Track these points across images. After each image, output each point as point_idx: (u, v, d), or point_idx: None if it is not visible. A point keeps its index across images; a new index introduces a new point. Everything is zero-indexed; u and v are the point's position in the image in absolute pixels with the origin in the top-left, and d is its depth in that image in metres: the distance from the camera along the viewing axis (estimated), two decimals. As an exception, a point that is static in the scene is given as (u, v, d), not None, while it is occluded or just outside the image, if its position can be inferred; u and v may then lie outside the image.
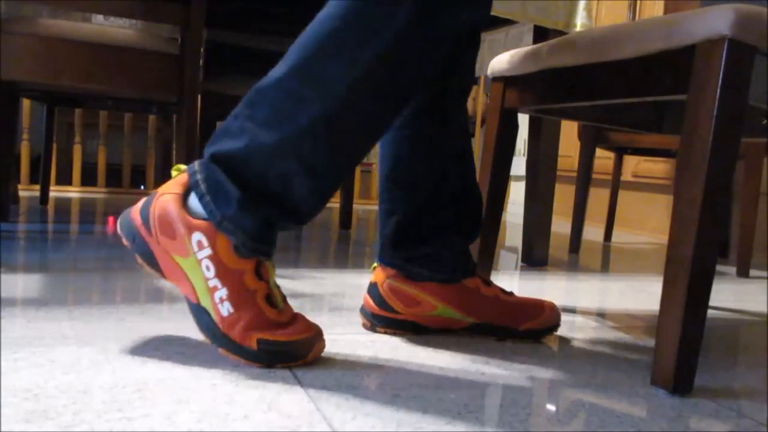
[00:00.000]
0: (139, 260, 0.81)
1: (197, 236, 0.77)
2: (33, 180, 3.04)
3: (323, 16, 0.77)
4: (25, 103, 2.94)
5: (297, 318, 0.80)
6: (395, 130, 0.96)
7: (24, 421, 0.58)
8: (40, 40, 1.41)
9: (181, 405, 0.64)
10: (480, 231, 1.03)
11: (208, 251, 0.77)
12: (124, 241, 0.82)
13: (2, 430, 0.56)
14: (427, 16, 0.76)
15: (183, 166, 0.82)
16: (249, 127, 0.76)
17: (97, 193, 3.10)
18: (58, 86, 1.91)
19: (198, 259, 0.77)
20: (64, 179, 3.38)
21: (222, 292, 0.77)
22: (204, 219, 0.78)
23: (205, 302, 0.78)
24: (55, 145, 2.77)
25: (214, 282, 0.77)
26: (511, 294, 1.00)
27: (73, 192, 3.09)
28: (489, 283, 1.00)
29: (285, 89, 0.76)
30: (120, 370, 0.73)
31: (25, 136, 3.02)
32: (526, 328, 0.98)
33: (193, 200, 0.79)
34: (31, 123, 3.06)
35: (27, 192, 2.88)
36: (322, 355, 0.84)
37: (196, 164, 0.80)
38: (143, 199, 0.82)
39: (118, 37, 1.55)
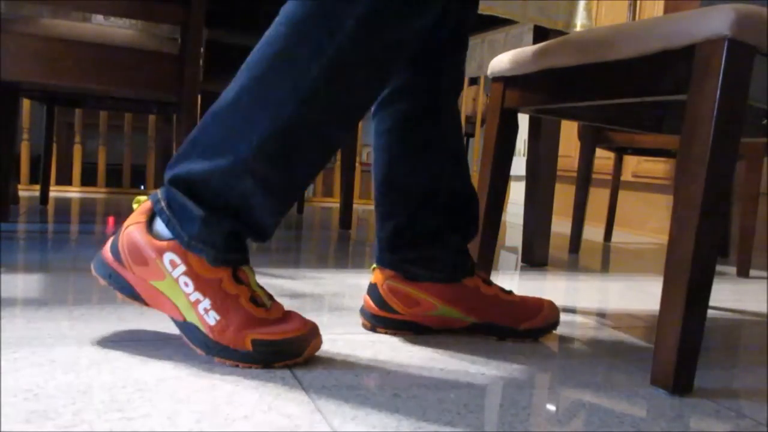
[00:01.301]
0: (120, 296, 0.82)
1: (168, 256, 0.79)
2: (33, 180, 3.04)
3: (269, 35, 0.77)
4: (25, 103, 2.94)
5: (290, 315, 0.81)
6: (387, 134, 0.96)
7: (24, 421, 0.58)
8: (40, 40, 1.41)
9: (181, 405, 0.65)
10: (478, 231, 1.03)
11: (182, 268, 0.78)
12: (101, 281, 0.82)
13: (2, 430, 0.56)
14: (371, 30, 0.75)
15: (143, 197, 0.83)
16: (205, 151, 0.78)
17: (97, 193, 3.10)
18: (58, 86, 1.91)
19: (174, 278, 0.78)
20: (64, 179, 3.38)
21: (205, 303, 0.78)
22: (171, 239, 0.79)
23: (191, 317, 0.78)
24: (55, 145, 2.77)
25: (196, 295, 0.78)
26: (510, 293, 1.00)
27: (73, 192, 3.09)
28: (489, 283, 1.00)
29: (236, 111, 0.77)
30: (120, 370, 0.73)
31: (25, 136, 3.02)
32: (526, 328, 0.98)
33: (159, 225, 0.81)
34: (31, 123, 3.05)
35: (27, 192, 2.88)
36: (323, 355, 0.84)
37: (158, 191, 0.82)
38: (111, 238, 0.84)
39: (118, 37, 1.55)
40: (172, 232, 0.79)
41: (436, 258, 0.97)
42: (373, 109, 0.97)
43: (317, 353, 0.84)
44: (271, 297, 0.82)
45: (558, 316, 1.01)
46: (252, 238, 0.82)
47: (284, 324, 0.78)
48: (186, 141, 0.80)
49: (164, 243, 0.79)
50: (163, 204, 0.80)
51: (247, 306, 0.78)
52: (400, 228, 0.97)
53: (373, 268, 1.00)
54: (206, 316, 0.77)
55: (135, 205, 0.84)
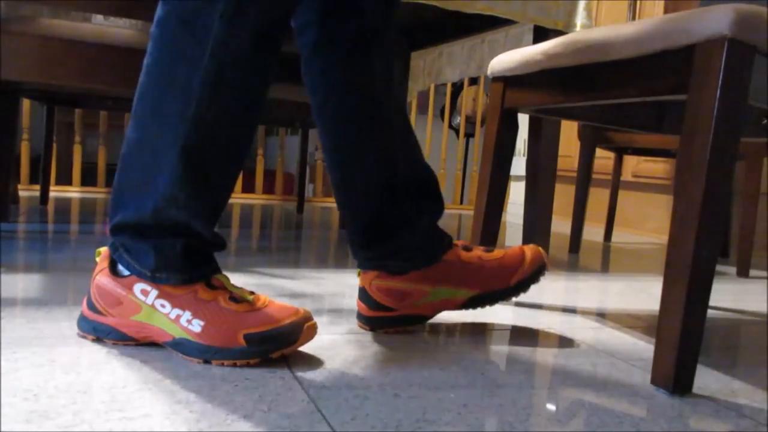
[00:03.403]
0: (110, 342, 0.82)
1: (138, 287, 0.80)
2: (33, 180, 3.04)
3: (146, 63, 0.79)
4: (25, 103, 2.94)
5: (276, 304, 0.81)
6: (331, 136, 0.95)
7: (24, 421, 0.58)
8: (40, 40, 1.41)
9: (181, 405, 0.65)
10: (444, 206, 1.01)
11: (154, 293, 0.80)
12: (89, 338, 0.83)
13: (2, 430, 0.56)
14: (236, 23, 0.75)
15: (102, 248, 0.86)
16: (130, 196, 0.80)
17: (97, 193, 3.10)
18: (58, 86, 1.91)
19: (150, 304, 0.80)
20: (64, 179, 3.38)
21: (186, 315, 0.78)
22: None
23: (177, 332, 0.79)
24: (55, 145, 2.77)
25: (175, 312, 0.79)
26: (492, 251, 1.01)
27: (73, 192, 3.09)
28: (469, 248, 1.00)
29: (143, 149, 0.79)
30: (120, 370, 0.73)
31: (25, 136, 3.02)
32: (517, 280, 0.98)
33: (122, 268, 0.83)
34: (31, 123, 3.05)
35: (27, 192, 2.88)
36: (323, 355, 0.84)
37: (112, 240, 0.84)
38: (85, 297, 0.85)
39: (118, 37, 1.55)
40: (133, 272, 0.81)
41: (411, 246, 0.97)
42: (314, 114, 0.97)
43: (317, 353, 0.84)
44: (251, 292, 0.83)
45: (543, 259, 1.01)
46: (208, 250, 0.84)
47: (273, 313, 0.79)
48: (112, 190, 0.82)
49: (130, 277, 0.81)
50: (119, 249, 0.82)
51: (228, 306, 0.79)
52: (367, 226, 0.97)
53: (359, 273, 1.00)
54: (190, 326, 0.78)
55: (97, 258, 0.86)
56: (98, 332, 0.82)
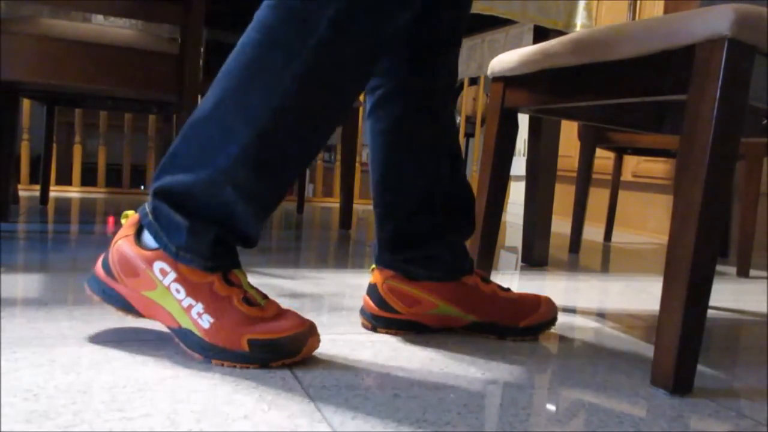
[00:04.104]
0: (114, 309, 0.82)
1: (158, 265, 0.79)
2: (33, 180, 3.04)
3: (242, 42, 0.77)
4: (25, 103, 2.94)
5: (286, 313, 0.81)
6: (383, 134, 0.96)
7: (24, 421, 0.58)
8: (40, 40, 1.41)
9: (181, 405, 0.65)
10: (475, 228, 1.03)
11: (173, 275, 0.79)
12: (95, 298, 0.83)
13: (2, 430, 0.56)
14: (344, 32, 0.74)
15: (131, 212, 0.84)
16: (186, 162, 0.78)
17: (97, 193, 3.10)
18: (58, 86, 1.91)
19: (165, 285, 0.79)
20: (64, 179, 3.38)
21: (198, 308, 0.78)
22: (159, 248, 0.80)
23: (185, 322, 0.79)
24: (55, 145, 2.77)
25: (188, 300, 0.78)
26: (508, 290, 1.01)
27: (73, 192, 3.09)
28: (487, 280, 1.00)
29: (213, 122, 0.77)
30: (120, 370, 0.73)
31: (25, 136, 3.02)
32: (526, 325, 0.98)
33: (147, 237, 0.82)
34: (31, 123, 3.05)
35: (27, 192, 2.88)
36: (323, 355, 0.84)
37: (145, 205, 0.82)
38: (102, 255, 0.85)
39: (118, 37, 1.55)
40: (159, 244, 0.80)
41: (435, 257, 0.97)
42: (367, 109, 0.98)
43: (317, 353, 0.84)
44: (265, 296, 0.82)
45: (556, 312, 1.01)
46: (238, 244, 0.83)
47: (280, 322, 0.78)
48: (168, 153, 0.80)
49: (153, 252, 0.80)
50: (150, 216, 0.81)
51: (240, 306, 0.78)
52: (400, 229, 0.97)
53: (372, 269, 1.00)
54: (200, 319, 0.78)
55: (123, 220, 0.85)
56: (106, 296, 0.82)
